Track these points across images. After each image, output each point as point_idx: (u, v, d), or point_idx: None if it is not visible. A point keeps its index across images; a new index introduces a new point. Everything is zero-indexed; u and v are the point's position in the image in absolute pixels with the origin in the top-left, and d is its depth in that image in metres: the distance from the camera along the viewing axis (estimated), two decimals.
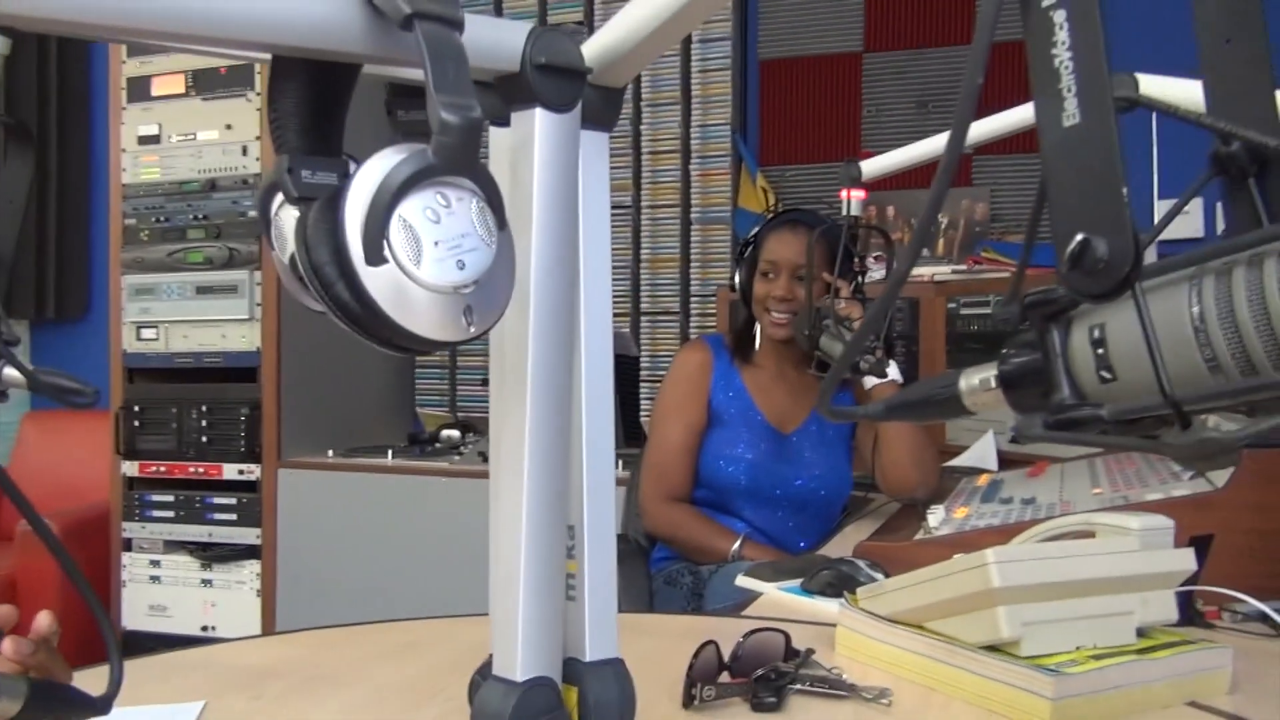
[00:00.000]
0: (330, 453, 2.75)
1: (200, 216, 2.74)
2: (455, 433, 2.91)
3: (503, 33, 0.66)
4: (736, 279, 1.95)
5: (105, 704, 0.52)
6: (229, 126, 2.72)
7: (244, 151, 2.71)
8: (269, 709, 0.95)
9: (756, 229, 1.98)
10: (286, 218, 0.71)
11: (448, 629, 1.20)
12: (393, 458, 2.69)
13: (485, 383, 3.13)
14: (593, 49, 0.71)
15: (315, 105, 0.65)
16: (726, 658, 0.93)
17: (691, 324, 3.07)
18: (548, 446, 0.67)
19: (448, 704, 0.93)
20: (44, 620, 0.62)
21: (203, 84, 2.74)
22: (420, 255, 0.54)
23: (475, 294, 0.56)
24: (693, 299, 3.08)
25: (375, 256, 0.54)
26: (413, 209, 0.55)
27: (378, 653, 1.12)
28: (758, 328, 1.94)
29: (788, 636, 0.97)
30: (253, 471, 2.68)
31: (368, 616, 1.41)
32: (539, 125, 0.68)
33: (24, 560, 2.64)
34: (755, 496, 1.87)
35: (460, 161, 0.56)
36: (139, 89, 2.80)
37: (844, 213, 1.71)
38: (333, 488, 2.64)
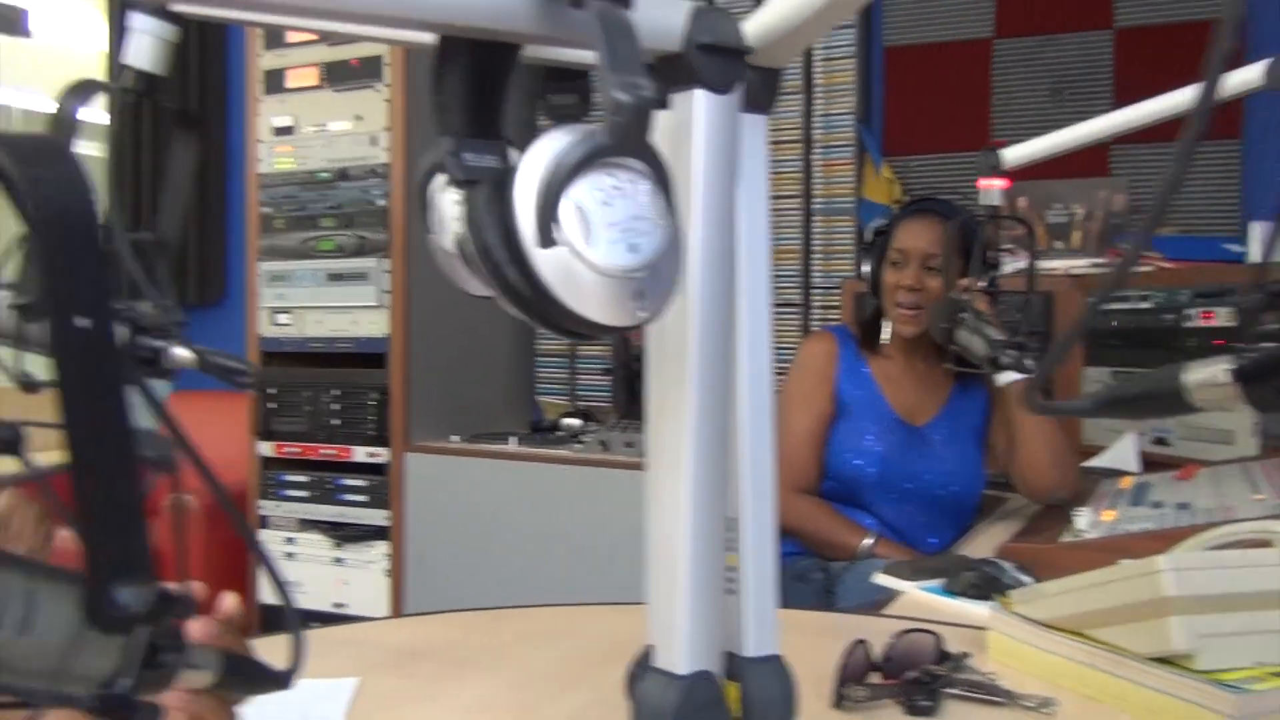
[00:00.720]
0: (455, 438, 2.80)
1: (332, 205, 2.82)
2: (575, 421, 2.93)
3: (664, 11, 0.65)
4: (865, 268, 1.91)
5: (287, 678, 0.53)
6: (359, 117, 2.79)
7: (373, 142, 2.77)
8: (420, 688, 0.96)
9: (886, 218, 1.94)
10: (446, 201, 0.71)
11: (584, 616, 1.20)
12: (516, 444, 2.72)
13: (606, 372, 3.14)
14: (754, 28, 0.69)
15: (478, 88, 0.65)
16: (876, 658, 0.90)
17: (814, 317, 3.02)
18: (709, 438, 0.65)
19: (595, 693, 0.93)
20: (229, 601, 0.64)
21: (334, 76, 2.81)
22: (592, 238, 0.53)
23: (647, 278, 0.55)
24: (815, 291, 3.03)
25: (546, 239, 0.53)
26: (584, 191, 0.54)
27: (519, 637, 1.12)
28: (886, 319, 1.89)
29: (939, 638, 0.94)
30: (381, 454, 2.74)
31: (492, 600, 1.42)
32: (700, 107, 0.66)
33: (169, 533, 2.76)
34: (885, 490, 1.82)
35: (632, 142, 0.54)
36: (274, 81, 2.88)
37: (982, 202, 1.66)
38: (458, 472, 2.69)
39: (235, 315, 3.16)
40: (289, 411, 2.86)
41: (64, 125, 0.78)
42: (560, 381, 3.22)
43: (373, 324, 2.77)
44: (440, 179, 0.71)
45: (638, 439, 2.62)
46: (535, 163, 0.55)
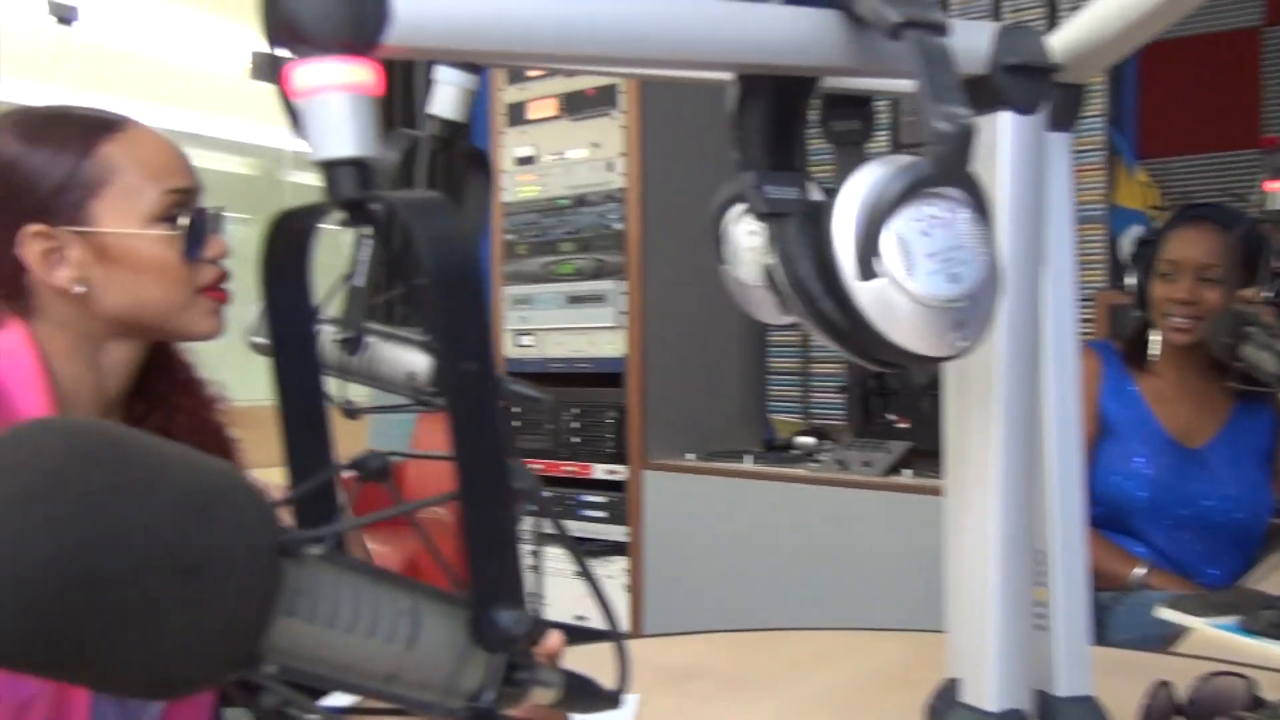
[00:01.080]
0: (690, 455, 2.84)
1: (570, 230, 2.93)
2: (810, 440, 2.90)
3: (970, 34, 0.64)
4: (1129, 280, 1.80)
5: (617, 697, 0.55)
6: (596, 145, 2.88)
7: (609, 168, 2.86)
8: (697, 709, 0.98)
9: (1145, 226, 1.82)
10: (741, 232, 0.72)
11: (857, 641, 1.19)
12: (751, 463, 2.73)
13: (841, 390, 3.10)
14: (1060, 44, 0.67)
15: (778, 121, 0.66)
16: (1179, 700, 0.85)
17: None
18: (1016, 468, 0.63)
19: None
20: (555, 640, 0.68)
21: (572, 106, 2.92)
22: (913, 269, 0.53)
23: (967, 308, 0.54)
24: None
25: (867, 270, 0.54)
26: (904, 221, 0.54)
27: (793, 661, 1.12)
28: (1153, 333, 1.77)
29: (1251, 682, 0.87)
30: (620, 472, 2.81)
31: (733, 620, 1.43)
32: (1006, 129, 0.65)
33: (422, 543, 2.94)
34: (1158, 516, 1.71)
35: (953, 171, 0.54)
36: (516, 114, 3.03)
37: (1268, 207, 1.53)
38: (694, 490, 2.72)
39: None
40: (532, 430, 2.98)
41: (380, 174, 0.85)
42: (793, 399, 3.21)
43: (610, 344, 2.85)
44: (734, 211, 0.72)
45: (875, 458, 2.57)
46: (853, 195, 0.55)
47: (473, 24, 0.46)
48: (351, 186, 0.44)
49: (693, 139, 2.94)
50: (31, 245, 1.03)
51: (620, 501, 2.82)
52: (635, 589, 2.79)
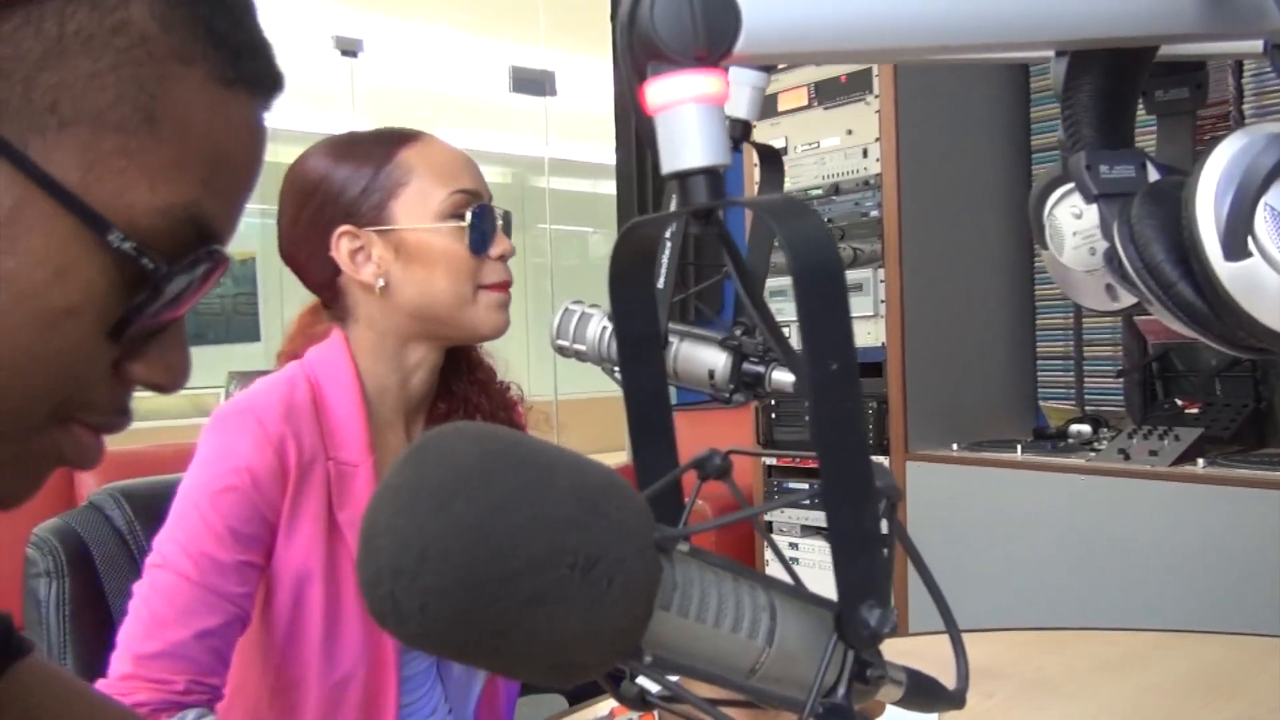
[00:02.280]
0: (955, 446, 2.74)
1: (825, 220, 2.90)
2: (1085, 428, 2.74)
3: None
4: None
5: (962, 696, 0.54)
6: (849, 132, 2.84)
7: (864, 154, 2.80)
8: (1001, 710, 0.95)
9: None
10: (1065, 216, 0.69)
11: (1166, 643, 1.12)
12: (1021, 453, 2.60)
13: (1118, 374, 2.90)
14: None
15: (1111, 96, 0.62)
16: None
17: None
18: None
19: None
20: None
21: (824, 94, 2.89)
22: None
23: None
24: None
25: (1238, 250, 0.50)
26: (1277, 196, 0.50)
27: (1094, 663, 1.07)
28: None
29: None
30: (882, 462, 2.76)
31: (1004, 615, 1.37)
32: None
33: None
34: None
35: None
36: (768, 106, 3.03)
37: None
38: (960, 481, 2.63)
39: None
40: (789, 421, 2.97)
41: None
42: (1065, 385, 3.03)
43: (869, 334, 2.80)
44: (1055, 195, 0.69)
45: (1162, 446, 2.39)
46: (1218, 169, 0.51)
47: (816, 25, 0.47)
48: (705, 195, 0.45)
49: (948, 120, 2.84)
50: (341, 245, 1.14)
51: None
52: (899, 583, 2.73)
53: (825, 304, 0.42)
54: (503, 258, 1.16)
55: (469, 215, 1.13)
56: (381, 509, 0.38)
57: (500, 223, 1.17)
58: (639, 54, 0.45)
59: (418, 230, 1.13)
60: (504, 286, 1.16)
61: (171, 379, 0.48)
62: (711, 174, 0.45)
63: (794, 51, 0.47)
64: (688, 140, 0.45)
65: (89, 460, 0.47)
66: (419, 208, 1.13)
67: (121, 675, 0.99)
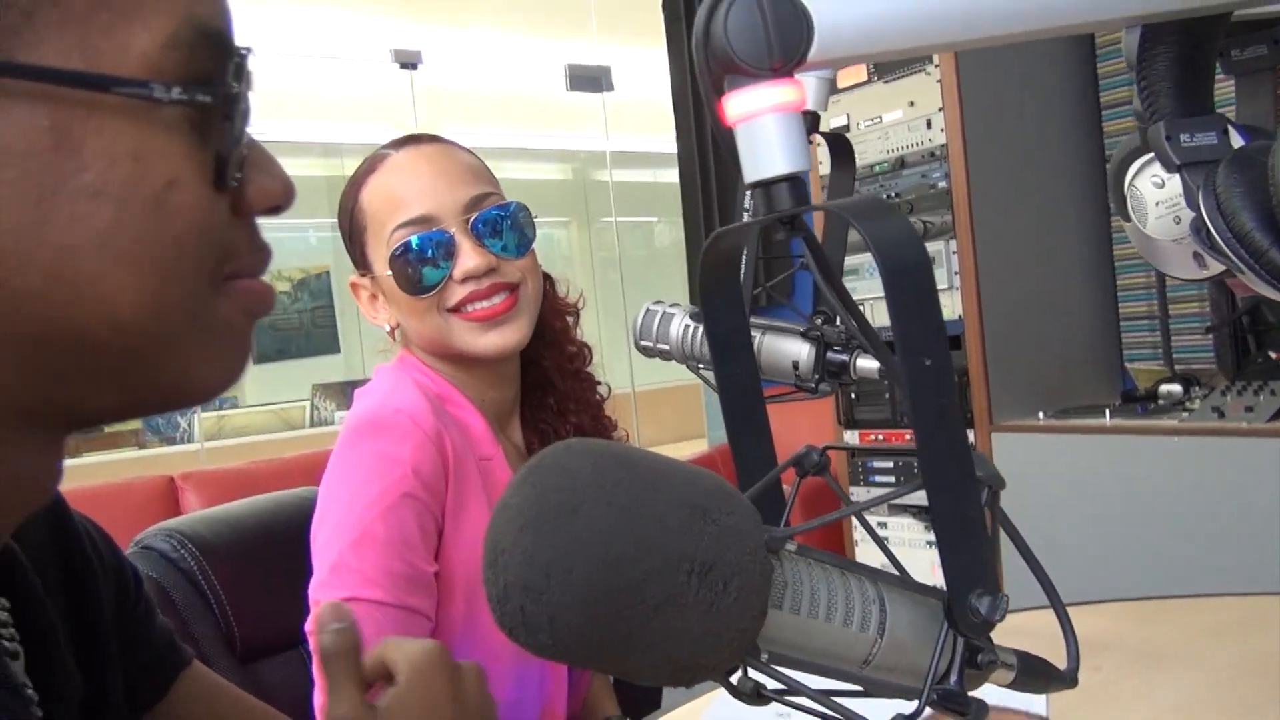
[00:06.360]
0: (1040, 415, 2.70)
1: (892, 195, 2.86)
2: (1176, 388, 2.67)
3: None
4: None
5: (1073, 676, 0.55)
6: (911, 104, 2.80)
7: (928, 125, 2.77)
8: (1111, 682, 0.94)
9: None
10: (1146, 186, 0.68)
11: (1272, 607, 1.10)
12: (1110, 418, 2.55)
13: (1206, 331, 2.83)
14: None
15: (1187, 64, 0.62)
16: None
17: None
18: None
19: None
20: None
21: (883, 68, 2.86)
22: None
23: None
24: None
25: None
26: None
27: (1204, 630, 1.05)
28: None
29: None
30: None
31: (1103, 586, 1.35)
32: None
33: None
34: None
35: None
36: None
37: None
38: (1048, 450, 2.59)
39: (806, 308, 3.33)
40: (870, 400, 2.95)
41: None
42: (1152, 345, 2.97)
43: (945, 307, 2.76)
44: (1135, 165, 0.69)
45: (1258, 402, 2.33)
46: None
47: (888, 24, 0.47)
48: (789, 201, 0.46)
49: (1010, 83, 2.79)
50: (360, 294, 1.14)
51: None
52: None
53: (916, 301, 0.43)
54: (470, 276, 1.06)
55: (392, 255, 1.05)
56: (504, 527, 0.40)
57: (456, 239, 1.06)
58: (715, 68, 0.46)
59: (385, 275, 1.08)
60: (473, 305, 1.07)
61: (284, 189, 0.46)
62: (794, 180, 0.46)
63: (866, 52, 0.48)
64: (769, 149, 0.46)
65: (268, 302, 0.47)
66: (379, 251, 1.08)
67: None
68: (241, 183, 0.45)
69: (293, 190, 0.47)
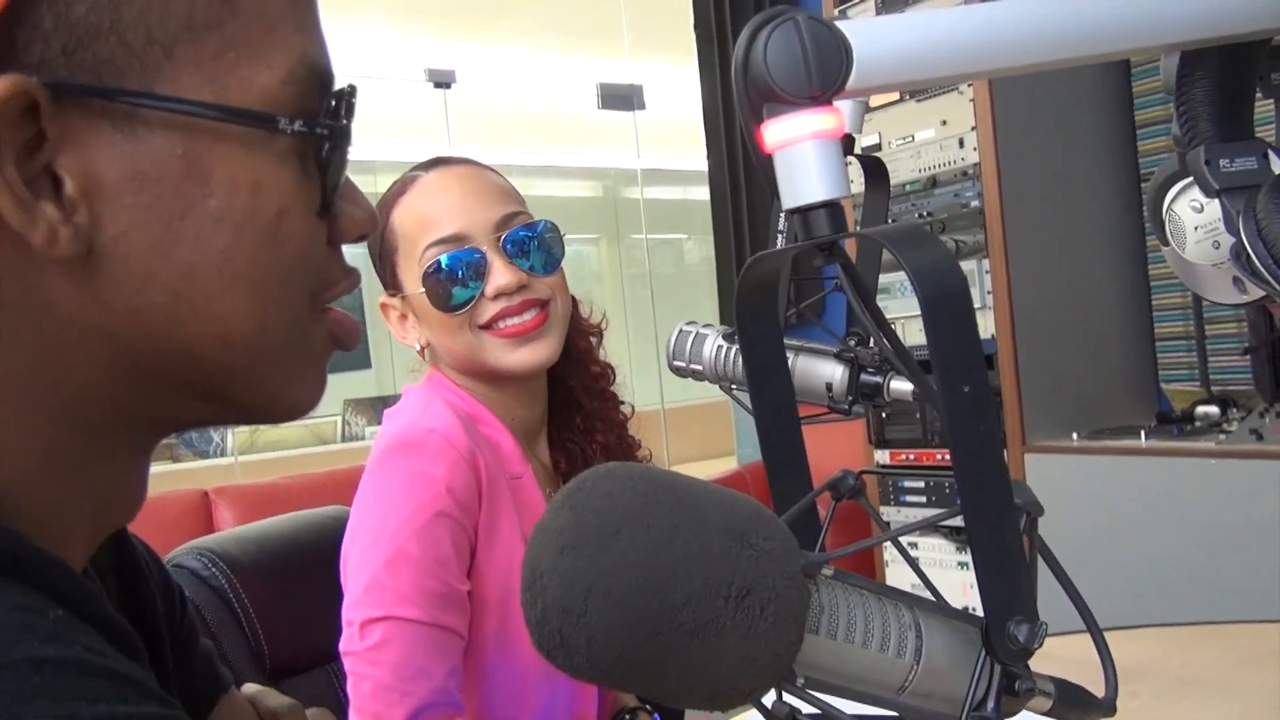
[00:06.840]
0: (1074, 436, 2.67)
1: (924, 214, 2.86)
2: (1213, 409, 2.64)
3: None
4: None
5: (1111, 705, 0.54)
6: (944, 123, 2.80)
7: (960, 144, 2.76)
8: (1149, 709, 0.93)
9: None
10: (1185, 210, 0.68)
11: None
12: (1145, 439, 2.53)
13: (1245, 352, 2.79)
14: None
15: (1226, 89, 0.61)
16: None
17: None
18: None
19: None
20: None
21: (916, 87, 2.86)
22: None
23: None
24: None
25: None
26: None
27: (1243, 657, 1.04)
28: None
29: None
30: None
31: (1139, 611, 1.33)
32: None
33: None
34: None
35: None
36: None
37: None
38: (1082, 472, 2.56)
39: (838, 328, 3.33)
40: (901, 420, 2.94)
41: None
42: (1188, 366, 2.93)
43: (979, 326, 2.75)
44: (1174, 190, 0.69)
45: None
46: None
47: (927, 53, 0.48)
48: (827, 227, 0.47)
49: (1044, 101, 2.77)
50: (389, 314, 1.15)
51: None
52: None
53: (955, 329, 0.43)
54: (501, 293, 1.07)
55: (424, 273, 1.07)
56: (544, 549, 0.41)
57: (488, 257, 1.07)
58: (754, 96, 0.46)
59: (417, 294, 1.09)
60: (505, 321, 1.08)
61: (369, 218, 0.49)
62: (832, 207, 0.46)
63: (905, 80, 0.48)
64: (807, 176, 0.46)
65: (355, 335, 0.50)
66: (411, 270, 1.10)
67: None
68: (336, 214, 0.47)
69: (376, 219, 0.50)
